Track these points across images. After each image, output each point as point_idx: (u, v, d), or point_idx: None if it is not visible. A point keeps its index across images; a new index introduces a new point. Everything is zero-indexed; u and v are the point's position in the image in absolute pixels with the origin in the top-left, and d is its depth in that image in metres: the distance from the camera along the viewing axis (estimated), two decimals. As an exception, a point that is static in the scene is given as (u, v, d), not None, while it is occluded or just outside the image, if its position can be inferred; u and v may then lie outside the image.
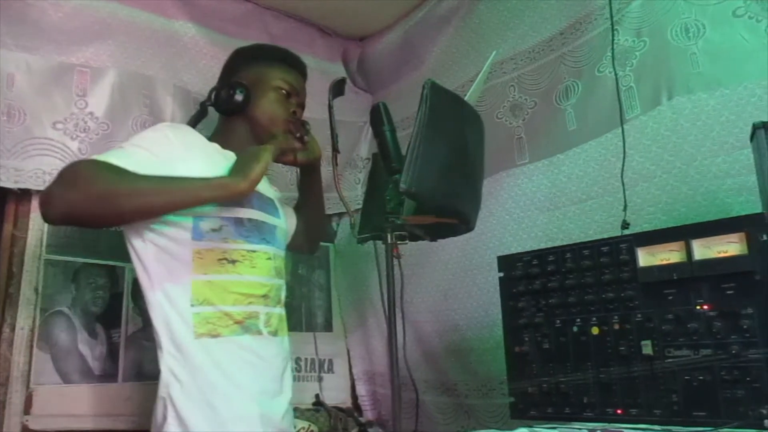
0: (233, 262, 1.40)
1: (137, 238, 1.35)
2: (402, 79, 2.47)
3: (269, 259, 1.48)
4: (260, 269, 1.45)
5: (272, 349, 1.46)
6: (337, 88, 1.42)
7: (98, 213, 1.22)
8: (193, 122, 1.63)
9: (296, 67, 1.63)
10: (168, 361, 1.34)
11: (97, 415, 1.79)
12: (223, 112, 1.58)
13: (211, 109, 1.61)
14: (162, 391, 1.33)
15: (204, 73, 2.10)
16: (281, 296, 1.54)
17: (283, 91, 1.57)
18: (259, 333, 1.43)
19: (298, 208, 1.77)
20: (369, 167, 2.44)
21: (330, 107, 1.39)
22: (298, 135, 1.56)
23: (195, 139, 1.46)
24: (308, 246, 1.86)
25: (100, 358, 1.86)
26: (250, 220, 1.44)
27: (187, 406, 1.31)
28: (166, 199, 1.26)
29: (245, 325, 1.40)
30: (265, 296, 1.45)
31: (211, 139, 1.53)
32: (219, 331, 1.36)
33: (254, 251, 1.44)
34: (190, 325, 1.34)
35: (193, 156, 1.38)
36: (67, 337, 1.81)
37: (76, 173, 1.24)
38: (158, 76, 2.02)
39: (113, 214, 1.25)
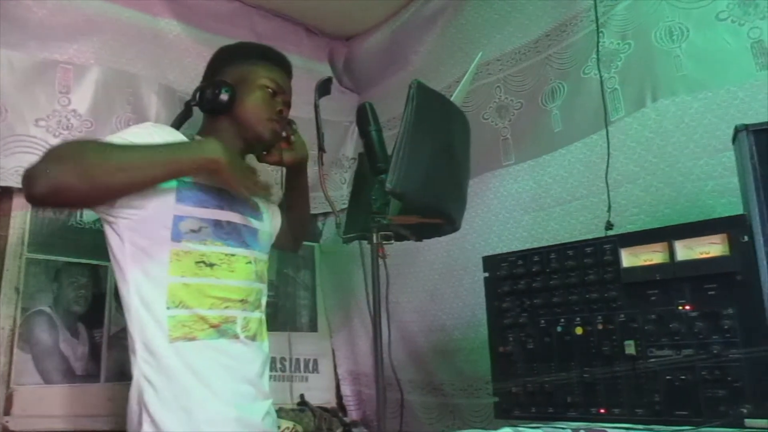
0: (211, 265, 1.38)
1: (115, 237, 1.34)
2: (388, 79, 2.47)
3: (249, 263, 1.46)
4: (239, 273, 1.43)
5: (249, 354, 1.44)
6: (324, 88, 1.42)
7: (85, 188, 1.19)
8: (178, 122, 1.60)
9: (282, 65, 1.61)
10: (141, 366, 1.32)
11: (79, 416, 1.78)
12: (209, 111, 1.55)
13: (196, 109, 1.60)
14: (135, 396, 1.32)
15: (189, 71, 2.08)
16: (261, 301, 1.52)
17: (269, 90, 1.54)
18: (236, 337, 1.41)
19: (282, 207, 1.75)
20: (355, 167, 2.43)
21: (316, 106, 1.39)
22: (284, 134, 1.56)
23: (178, 139, 1.44)
24: (292, 245, 1.85)
25: (82, 358, 1.84)
26: (229, 222, 1.43)
27: (161, 411, 1.30)
28: (149, 162, 1.26)
29: (221, 329, 1.39)
30: (243, 300, 1.44)
31: (195, 139, 1.52)
32: (194, 335, 1.35)
33: (233, 255, 1.43)
34: (164, 328, 1.32)
35: None
36: (48, 337, 1.79)
37: (62, 150, 1.23)
38: (143, 74, 2.01)
39: (102, 187, 1.22)
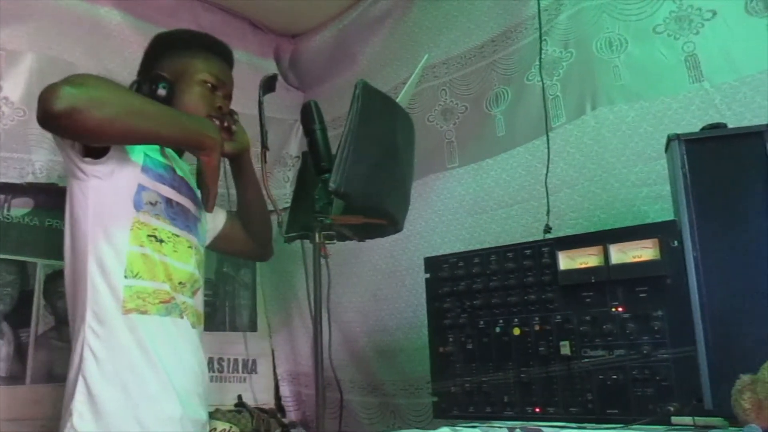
0: (160, 241, 1.38)
1: (80, 196, 1.31)
2: (334, 79, 2.46)
3: (190, 247, 1.46)
4: (182, 255, 1.42)
5: (190, 337, 1.43)
6: (268, 85, 1.40)
7: (104, 119, 1.18)
8: None
9: (222, 55, 1.57)
10: (87, 337, 1.28)
11: (3, 420, 1.69)
12: None
13: None
14: (74, 367, 1.28)
15: (130, 62, 2.00)
16: (198, 291, 1.50)
17: (209, 85, 1.51)
18: (180, 317, 1.40)
19: (239, 211, 1.71)
20: (298, 166, 2.41)
21: (260, 103, 1.37)
22: (225, 125, 1.51)
23: None
24: (257, 250, 1.78)
25: (7, 359, 1.75)
26: (178, 204, 1.43)
27: (100, 383, 1.26)
28: (167, 118, 1.31)
29: (169, 307, 1.37)
30: (182, 284, 1.42)
31: None
32: (147, 308, 1.33)
33: (178, 236, 1.42)
34: (120, 298, 1.30)
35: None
36: (-30, 336, 1.71)
37: (90, 79, 1.22)
38: (80, 62, 1.93)
39: (118, 124, 1.22)
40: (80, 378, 1.26)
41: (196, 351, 1.45)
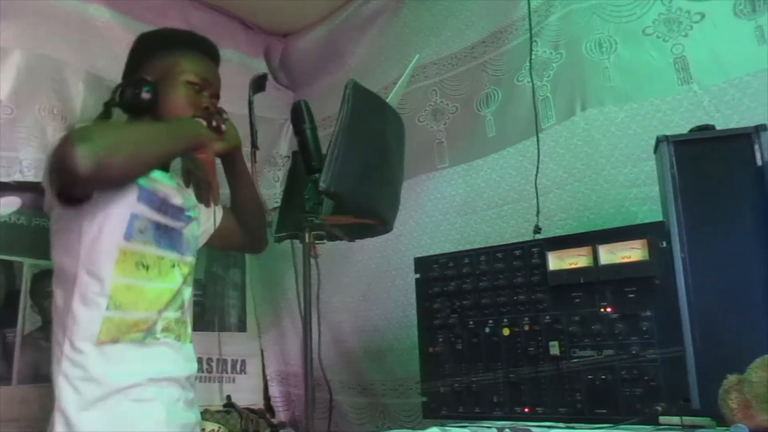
0: (147, 267, 1.37)
1: (75, 227, 1.30)
2: (325, 78, 2.45)
3: (173, 266, 1.44)
4: (165, 276, 1.42)
5: (171, 352, 1.42)
6: (258, 84, 1.39)
7: (127, 161, 1.23)
8: None
9: (207, 53, 1.54)
10: (64, 366, 1.29)
11: (-11, 420, 1.68)
12: (131, 112, 1.48)
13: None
14: (54, 397, 1.29)
15: (119, 60, 1.97)
16: (183, 301, 1.49)
17: (194, 86, 1.48)
18: (156, 339, 1.39)
19: (233, 208, 1.69)
20: (288, 165, 2.40)
21: (250, 103, 1.36)
22: (214, 124, 1.48)
23: None
24: (251, 244, 1.77)
25: (-8, 359, 1.74)
26: (165, 225, 1.42)
27: (76, 413, 1.27)
28: (167, 137, 1.32)
29: (146, 333, 1.37)
30: (167, 303, 1.42)
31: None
32: (119, 337, 1.32)
33: (162, 257, 1.41)
34: (96, 330, 1.30)
35: None
36: (-45, 337, 1.69)
37: (89, 132, 1.20)
38: (69, 60, 1.91)
39: (139, 160, 1.26)
40: (58, 409, 1.27)
41: (179, 362, 1.44)
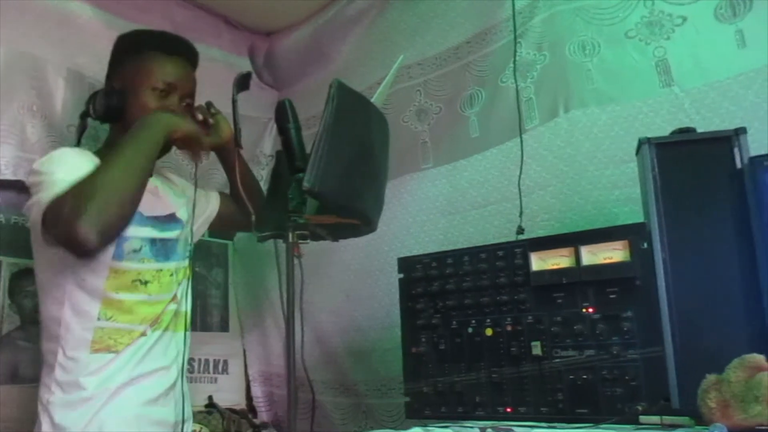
0: (146, 282, 1.41)
1: (57, 248, 1.30)
2: (309, 77, 2.45)
3: (171, 275, 1.48)
4: (164, 286, 1.46)
5: (161, 346, 1.46)
6: (242, 83, 1.38)
7: (124, 210, 1.27)
8: (78, 138, 1.56)
9: (179, 53, 1.52)
10: (56, 372, 1.33)
11: (-34, 421, 1.65)
12: (106, 121, 1.50)
13: None
14: (41, 401, 1.33)
15: (101, 57, 1.94)
16: (177, 295, 1.52)
17: (161, 92, 1.47)
18: (147, 336, 1.43)
19: (232, 196, 1.74)
20: (272, 165, 2.40)
21: (234, 101, 1.35)
22: (200, 118, 1.48)
23: (94, 162, 1.37)
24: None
25: (-30, 359, 1.71)
26: (160, 239, 1.45)
27: (62, 413, 1.31)
28: (140, 159, 1.32)
29: (142, 334, 1.42)
30: (164, 311, 1.46)
31: (101, 154, 1.44)
32: (117, 348, 1.37)
33: (161, 270, 1.45)
34: (89, 339, 1.34)
35: None
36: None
37: (74, 198, 1.22)
38: (49, 57, 1.89)
39: (132, 200, 1.30)
40: (44, 411, 1.32)
41: (169, 353, 1.47)
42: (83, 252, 1.25)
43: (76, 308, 1.34)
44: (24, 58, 1.83)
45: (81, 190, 1.23)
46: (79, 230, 1.18)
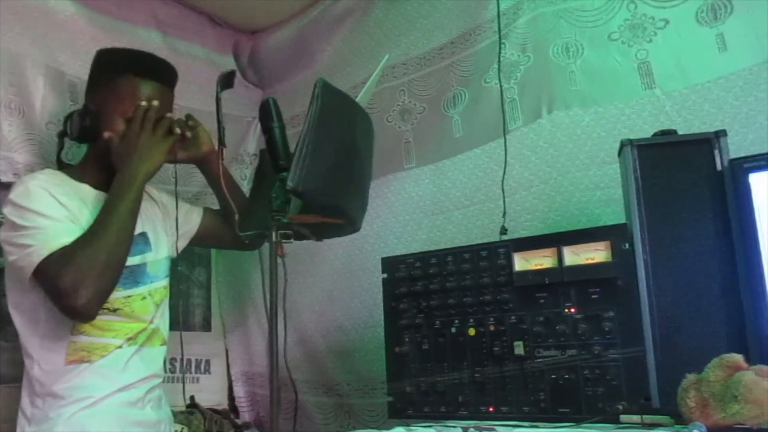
0: (114, 310, 1.42)
1: (17, 291, 1.37)
2: (294, 76, 2.44)
3: (144, 298, 1.49)
4: (137, 310, 1.47)
5: (137, 361, 1.47)
6: (226, 81, 1.37)
7: (116, 271, 1.32)
8: (57, 156, 1.58)
9: (152, 76, 1.51)
10: (34, 385, 1.36)
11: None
12: (80, 141, 1.52)
13: None
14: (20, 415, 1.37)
15: (82, 55, 1.94)
16: (154, 313, 1.53)
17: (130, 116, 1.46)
18: (123, 349, 1.45)
19: (220, 209, 1.74)
20: (256, 164, 2.38)
21: (218, 100, 1.34)
22: (178, 131, 1.48)
23: (67, 189, 1.41)
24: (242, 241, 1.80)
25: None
26: (127, 267, 1.42)
27: (46, 425, 1.34)
28: (124, 214, 1.35)
29: (118, 347, 1.43)
30: (141, 330, 1.48)
31: (78, 176, 1.47)
32: (90, 358, 1.39)
33: (130, 296, 1.45)
34: (63, 352, 1.37)
35: (78, 214, 1.38)
36: None
37: (68, 270, 1.25)
38: (28, 53, 1.85)
39: (123, 259, 1.35)
40: (23, 416, 1.36)
41: (144, 366, 1.49)
42: (81, 319, 1.33)
43: (49, 326, 1.36)
44: (2, 55, 1.79)
45: (79, 263, 1.26)
46: (78, 302, 1.25)
